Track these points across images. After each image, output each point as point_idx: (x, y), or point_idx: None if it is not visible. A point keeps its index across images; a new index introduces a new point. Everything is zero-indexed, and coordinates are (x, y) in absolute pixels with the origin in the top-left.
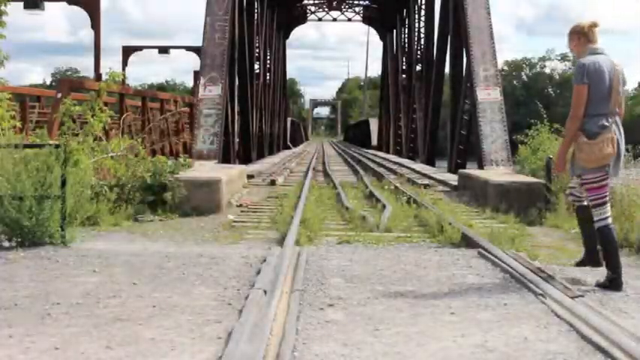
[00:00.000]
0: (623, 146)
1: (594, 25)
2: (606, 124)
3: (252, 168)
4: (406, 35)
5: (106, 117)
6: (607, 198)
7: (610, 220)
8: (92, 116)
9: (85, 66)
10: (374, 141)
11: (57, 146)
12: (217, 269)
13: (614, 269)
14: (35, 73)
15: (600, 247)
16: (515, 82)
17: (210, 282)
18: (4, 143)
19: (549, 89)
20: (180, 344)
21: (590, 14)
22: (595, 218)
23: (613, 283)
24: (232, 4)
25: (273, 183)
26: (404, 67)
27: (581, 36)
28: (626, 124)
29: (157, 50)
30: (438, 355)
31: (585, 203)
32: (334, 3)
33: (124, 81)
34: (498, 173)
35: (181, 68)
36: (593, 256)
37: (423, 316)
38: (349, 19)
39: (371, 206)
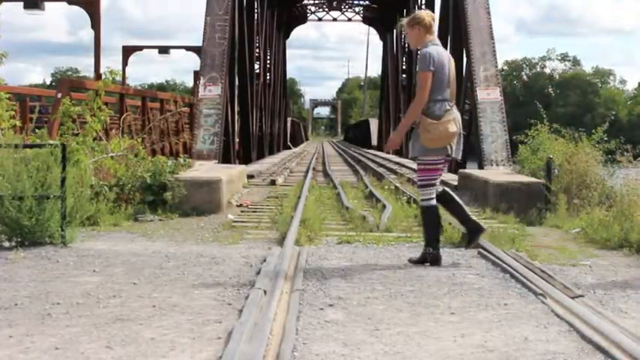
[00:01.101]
0: (461, 130)
1: (433, 17)
2: (448, 107)
3: (252, 168)
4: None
5: (106, 116)
6: (436, 181)
7: (434, 202)
8: (92, 116)
9: (85, 66)
10: (374, 141)
11: (57, 146)
12: (217, 269)
13: (434, 245)
14: (35, 73)
15: (424, 225)
16: (515, 82)
17: (210, 282)
18: (4, 143)
19: (549, 89)
20: (180, 344)
21: (590, 14)
22: (421, 197)
23: (431, 259)
24: (232, 4)
25: (273, 183)
26: (404, 67)
27: (422, 27)
28: (626, 124)
29: (157, 50)
30: (438, 355)
31: (440, 189)
32: (334, 3)
33: (124, 81)
34: (498, 173)
35: (181, 68)
36: (472, 225)
37: (423, 316)
38: (349, 19)
39: (371, 206)
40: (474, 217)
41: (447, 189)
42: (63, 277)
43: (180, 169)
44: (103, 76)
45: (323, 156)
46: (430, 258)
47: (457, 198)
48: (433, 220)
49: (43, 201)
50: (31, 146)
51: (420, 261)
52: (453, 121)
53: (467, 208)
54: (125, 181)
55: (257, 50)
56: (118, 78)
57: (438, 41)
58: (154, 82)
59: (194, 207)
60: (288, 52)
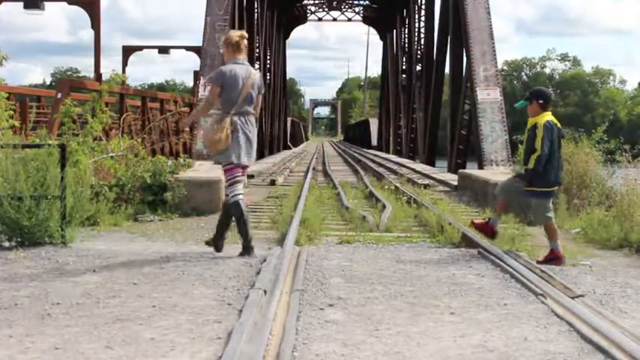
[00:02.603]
0: (252, 139)
1: (242, 37)
2: (227, 118)
3: (251, 168)
4: (406, 35)
5: (107, 118)
6: (238, 179)
7: (241, 197)
8: (92, 117)
9: (85, 66)
10: (374, 141)
11: (55, 146)
12: (217, 269)
13: (246, 237)
14: (35, 73)
15: (234, 219)
16: (515, 82)
17: (210, 282)
18: (3, 143)
19: (549, 89)
20: (179, 344)
21: (590, 14)
22: (229, 194)
23: (247, 250)
24: (232, 4)
25: (273, 183)
26: (404, 67)
27: (229, 46)
28: (626, 124)
29: (157, 50)
30: (437, 355)
31: (241, 197)
32: (334, 3)
33: (124, 81)
34: (498, 173)
35: (181, 68)
36: (218, 242)
37: (423, 316)
38: (349, 19)
39: (371, 206)
40: (224, 238)
41: (241, 197)
42: (63, 277)
43: (180, 169)
44: (104, 77)
45: (323, 156)
46: (247, 249)
47: (243, 210)
48: (243, 215)
49: (42, 201)
50: (30, 146)
51: (242, 254)
52: (222, 130)
53: (228, 231)
54: (125, 181)
55: (257, 50)
56: (121, 81)
57: (242, 60)
58: (154, 82)
59: (194, 207)
60: (288, 52)
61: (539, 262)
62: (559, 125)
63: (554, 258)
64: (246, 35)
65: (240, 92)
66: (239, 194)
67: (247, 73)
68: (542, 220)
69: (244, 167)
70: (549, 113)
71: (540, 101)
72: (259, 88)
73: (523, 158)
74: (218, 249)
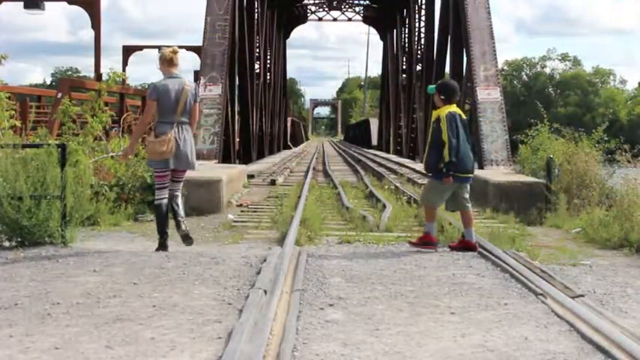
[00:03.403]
0: (187, 146)
1: (175, 52)
2: (168, 129)
3: (252, 168)
4: (406, 35)
5: (107, 117)
6: (164, 185)
7: (164, 201)
8: (92, 116)
9: (85, 66)
10: (374, 141)
11: (54, 146)
12: (217, 269)
13: (163, 234)
14: (35, 73)
15: (156, 219)
16: (515, 82)
17: (210, 282)
18: (3, 143)
19: (549, 89)
20: (180, 344)
21: (590, 14)
22: (155, 197)
23: (162, 246)
24: (232, 4)
25: (273, 183)
26: (404, 67)
27: (164, 62)
28: (626, 124)
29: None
30: (438, 355)
31: (165, 202)
32: (334, 3)
33: (124, 81)
34: (498, 173)
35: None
36: (163, 240)
37: (423, 316)
38: (349, 19)
39: (371, 206)
40: (168, 233)
41: (165, 202)
42: (63, 276)
43: None
44: (104, 77)
45: (323, 156)
46: (162, 245)
47: (165, 213)
48: (164, 216)
49: (42, 201)
50: (29, 146)
51: (157, 249)
52: (167, 141)
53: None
54: (125, 181)
55: (257, 50)
56: (120, 80)
57: (174, 73)
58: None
59: (194, 207)
60: (288, 52)
61: (411, 244)
62: (464, 116)
63: (428, 242)
64: (178, 50)
65: (177, 104)
66: (163, 198)
67: (181, 85)
68: (426, 201)
69: (180, 171)
70: (454, 106)
71: (442, 96)
72: (194, 97)
73: (427, 151)
74: (163, 247)
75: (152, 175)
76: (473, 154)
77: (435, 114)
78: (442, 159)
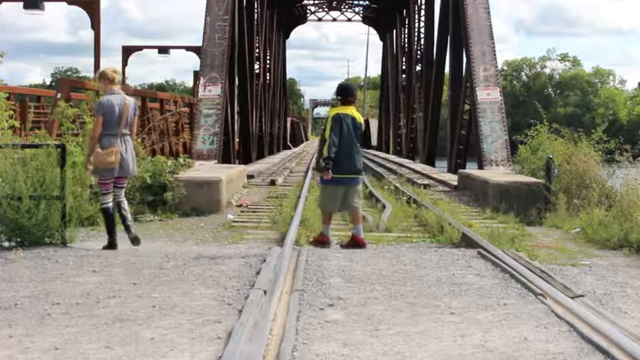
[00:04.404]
0: (128, 155)
1: (115, 71)
2: (114, 141)
3: (252, 168)
4: (406, 35)
5: None
6: (109, 191)
7: (110, 205)
8: (91, 116)
9: (85, 66)
10: (374, 141)
11: (53, 146)
12: (217, 269)
13: (112, 235)
14: (35, 73)
15: (105, 221)
16: (514, 82)
17: (210, 282)
18: (3, 144)
19: (549, 89)
20: (179, 344)
21: (589, 14)
22: (102, 201)
23: (111, 245)
24: (232, 4)
25: (273, 183)
26: (404, 67)
27: (105, 80)
28: (625, 124)
29: (157, 50)
30: (437, 356)
31: (111, 205)
32: (334, 3)
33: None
34: (498, 173)
35: (181, 68)
36: (113, 240)
37: (423, 316)
38: (349, 19)
39: (371, 206)
40: (116, 233)
41: (111, 205)
42: (63, 277)
43: (180, 169)
44: None
45: None
46: (112, 245)
47: (112, 215)
48: (112, 219)
49: (41, 201)
50: (29, 146)
51: (106, 247)
52: (114, 152)
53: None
54: None
55: (257, 50)
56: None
57: (117, 90)
58: (154, 82)
59: (194, 207)
60: (288, 52)
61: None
62: (360, 120)
63: (321, 241)
64: (119, 70)
65: (120, 118)
66: (109, 202)
67: (122, 101)
68: (321, 206)
69: (123, 177)
70: (351, 108)
71: (338, 97)
72: (135, 111)
73: (318, 148)
74: (112, 246)
75: (152, 175)
76: (353, 158)
77: (327, 113)
78: (322, 155)
